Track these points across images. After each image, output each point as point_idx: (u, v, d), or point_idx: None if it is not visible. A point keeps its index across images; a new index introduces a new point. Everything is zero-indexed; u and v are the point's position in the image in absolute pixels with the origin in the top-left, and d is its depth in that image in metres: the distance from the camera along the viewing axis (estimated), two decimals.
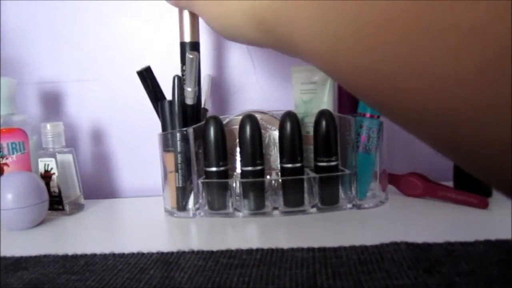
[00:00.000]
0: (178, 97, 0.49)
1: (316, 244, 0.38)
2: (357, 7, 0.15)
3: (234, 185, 0.49)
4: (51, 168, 0.54)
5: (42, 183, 0.51)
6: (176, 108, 0.49)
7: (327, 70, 0.19)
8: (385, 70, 0.15)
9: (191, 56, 0.47)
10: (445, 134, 0.15)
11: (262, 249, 0.38)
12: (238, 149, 0.52)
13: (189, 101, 0.49)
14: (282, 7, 0.21)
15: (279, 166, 0.50)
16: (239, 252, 0.37)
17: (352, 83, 0.18)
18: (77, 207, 0.57)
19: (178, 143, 0.49)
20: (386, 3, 0.14)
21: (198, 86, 0.50)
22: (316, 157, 0.49)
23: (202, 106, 0.55)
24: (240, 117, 0.50)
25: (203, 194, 0.50)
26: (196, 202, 0.50)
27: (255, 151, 0.48)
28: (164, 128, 0.52)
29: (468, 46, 0.12)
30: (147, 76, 0.52)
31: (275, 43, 0.24)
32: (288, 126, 0.48)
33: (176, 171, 0.50)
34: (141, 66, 0.65)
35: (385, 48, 0.15)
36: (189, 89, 0.48)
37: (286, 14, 0.21)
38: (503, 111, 0.12)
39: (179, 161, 0.49)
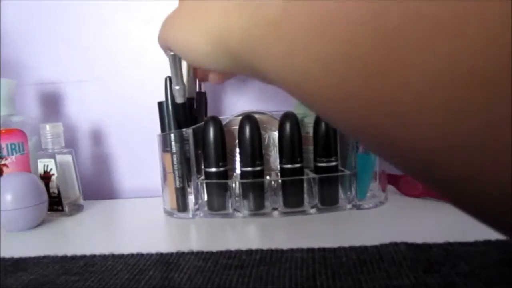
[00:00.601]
0: (171, 98, 0.49)
1: (315, 245, 0.38)
2: (322, 45, 0.15)
3: (233, 185, 0.49)
4: (51, 169, 0.54)
5: (41, 184, 0.51)
6: (170, 109, 0.49)
7: (298, 99, 0.19)
8: (351, 106, 0.15)
9: (172, 53, 0.46)
10: (419, 169, 0.15)
11: (262, 250, 0.37)
12: (237, 150, 0.52)
13: (179, 99, 0.48)
14: (248, 38, 0.21)
15: (278, 166, 0.50)
16: (238, 253, 0.37)
17: (323, 113, 0.18)
18: (77, 208, 0.57)
19: (173, 144, 0.49)
20: (346, 41, 0.14)
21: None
22: (315, 158, 0.49)
23: (198, 90, 0.55)
24: (240, 118, 0.50)
25: (203, 194, 0.50)
26: (195, 203, 0.50)
27: (254, 152, 0.48)
28: (163, 128, 0.52)
29: (430, 86, 0.12)
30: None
31: (246, 71, 0.24)
32: (287, 126, 0.48)
33: (173, 172, 0.50)
34: (140, 67, 0.65)
35: (350, 85, 0.15)
36: (177, 87, 0.47)
37: (253, 45, 0.20)
38: (473, 151, 0.13)
39: (175, 162, 0.49)
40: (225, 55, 0.26)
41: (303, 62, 0.16)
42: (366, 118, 0.15)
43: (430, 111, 0.13)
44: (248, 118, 0.48)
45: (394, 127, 0.14)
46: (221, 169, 0.49)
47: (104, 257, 0.38)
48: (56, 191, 0.54)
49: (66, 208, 0.54)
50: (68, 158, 0.56)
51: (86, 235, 0.48)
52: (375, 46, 0.13)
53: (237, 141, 0.51)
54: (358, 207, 0.49)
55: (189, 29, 0.31)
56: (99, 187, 0.66)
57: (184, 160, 0.50)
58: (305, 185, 0.49)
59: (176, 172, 0.50)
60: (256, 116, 0.50)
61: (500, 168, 0.12)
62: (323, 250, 0.37)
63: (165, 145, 0.51)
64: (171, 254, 0.38)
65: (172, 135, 0.49)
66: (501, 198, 0.13)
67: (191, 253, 0.38)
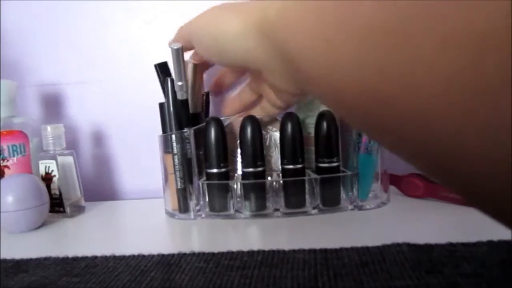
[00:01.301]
0: (172, 99, 0.49)
1: (317, 246, 0.38)
2: (345, 14, 0.16)
3: (235, 186, 0.49)
4: (52, 170, 0.54)
5: (42, 185, 0.51)
6: (171, 110, 0.49)
7: (310, 77, 0.20)
8: (367, 75, 0.16)
9: (175, 47, 0.45)
10: (421, 148, 0.15)
11: (264, 251, 0.37)
12: (239, 151, 0.51)
13: (180, 95, 0.48)
14: (284, 14, 0.22)
15: (280, 167, 0.50)
16: (240, 254, 0.37)
17: (331, 91, 0.19)
18: (78, 209, 0.57)
19: (174, 144, 0.49)
20: (371, 11, 0.15)
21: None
22: (317, 158, 0.49)
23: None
24: (241, 118, 0.50)
25: (204, 195, 0.50)
26: (197, 203, 0.50)
27: (256, 152, 0.48)
28: (164, 129, 0.52)
29: (439, 54, 0.13)
30: (162, 71, 0.51)
31: (272, 53, 0.25)
32: (289, 127, 0.48)
33: (174, 172, 0.49)
34: (141, 68, 0.65)
35: (368, 53, 0.15)
36: (180, 83, 0.46)
37: (287, 19, 0.22)
38: (472, 124, 0.13)
39: (176, 163, 0.49)
40: (256, 30, 0.26)
41: (329, 32, 0.17)
42: (378, 89, 0.15)
43: (441, 81, 0.13)
44: (249, 119, 0.48)
45: (403, 96, 0.14)
46: (223, 169, 0.49)
47: (105, 259, 0.38)
48: (57, 192, 0.54)
49: (68, 210, 0.54)
50: (70, 159, 0.56)
51: (87, 236, 0.48)
52: (394, 17, 0.14)
53: (238, 141, 0.50)
54: (360, 208, 0.49)
55: (220, 13, 0.31)
56: (101, 188, 0.66)
57: (185, 161, 0.50)
58: (306, 185, 0.49)
59: (177, 173, 0.49)
60: (258, 116, 0.50)
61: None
62: (325, 251, 0.37)
63: (166, 146, 0.51)
64: (173, 255, 0.38)
65: (173, 136, 0.49)
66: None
67: (193, 254, 0.38)
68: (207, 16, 0.34)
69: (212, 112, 0.59)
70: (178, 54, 0.44)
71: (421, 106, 0.14)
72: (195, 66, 0.49)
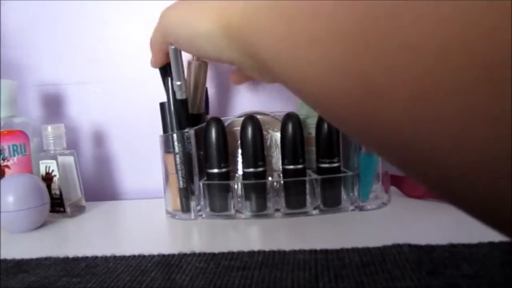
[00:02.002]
0: (173, 98, 0.49)
1: (318, 246, 0.38)
2: (308, 19, 0.16)
3: (235, 186, 0.49)
4: (52, 170, 0.54)
5: (43, 185, 0.51)
6: (172, 109, 0.49)
7: (282, 78, 0.20)
8: (333, 79, 0.16)
9: (173, 47, 0.45)
10: (392, 150, 0.16)
11: (264, 251, 0.37)
12: (239, 151, 0.51)
13: (179, 95, 0.48)
14: (250, 15, 0.22)
15: (281, 167, 0.50)
16: (240, 254, 0.37)
17: (303, 92, 0.19)
18: (78, 209, 0.57)
19: (176, 144, 0.49)
20: (331, 16, 0.15)
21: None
22: (318, 159, 0.49)
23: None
24: (242, 119, 0.50)
25: (205, 196, 0.50)
26: (197, 204, 0.50)
27: (256, 153, 0.48)
28: (165, 129, 0.52)
29: (400, 61, 0.13)
30: (165, 72, 0.51)
31: (240, 53, 0.25)
32: (290, 127, 0.48)
33: (176, 172, 0.49)
34: (141, 68, 0.65)
35: (333, 57, 0.15)
36: (178, 83, 0.46)
37: (253, 21, 0.22)
38: (440, 130, 0.13)
39: (178, 162, 0.49)
40: (224, 33, 0.27)
41: (295, 37, 0.17)
42: (344, 93, 0.15)
43: (404, 86, 0.13)
44: (250, 119, 0.48)
45: (370, 102, 0.14)
46: (223, 170, 0.49)
47: (105, 259, 0.38)
48: (58, 192, 0.54)
49: (68, 210, 0.54)
50: (70, 159, 0.56)
51: (88, 237, 0.48)
52: (354, 21, 0.14)
53: (239, 142, 0.50)
54: (360, 209, 0.49)
55: (189, 11, 0.31)
56: (101, 188, 0.66)
57: (187, 161, 0.49)
58: (307, 186, 0.49)
59: (180, 173, 0.49)
60: (258, 117, 0.50)
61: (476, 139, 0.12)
62: (325, 251, 0.37)
63: (167, 146, 0.51)
64: (173, 255, 0.38)
65: (175, 136, 0.49)
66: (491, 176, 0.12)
67: (193, 254, 0.38)
68: (180, 14, 0.34)
69: (212, 110, 0.59)
70: (176, 54, 0.44)
71: (386, 110, 0.14)
72: (200, 66, 0.48)
